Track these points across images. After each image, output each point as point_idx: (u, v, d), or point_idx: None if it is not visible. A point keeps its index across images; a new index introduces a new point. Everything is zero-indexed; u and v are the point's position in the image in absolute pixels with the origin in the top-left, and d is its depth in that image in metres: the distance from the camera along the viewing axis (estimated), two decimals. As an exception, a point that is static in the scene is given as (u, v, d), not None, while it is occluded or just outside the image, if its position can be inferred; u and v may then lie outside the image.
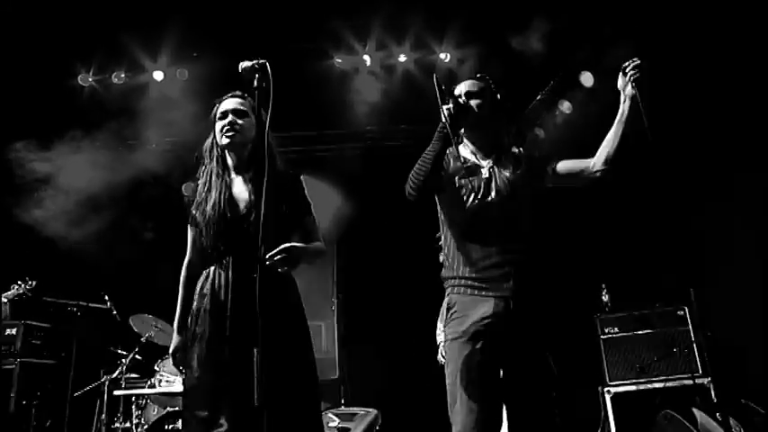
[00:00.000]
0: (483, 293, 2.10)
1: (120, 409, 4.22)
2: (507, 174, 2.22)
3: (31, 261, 4.61)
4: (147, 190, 5.53)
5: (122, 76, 5.48)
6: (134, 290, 4.81)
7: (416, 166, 2.12)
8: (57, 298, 4.39)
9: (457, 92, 2.27)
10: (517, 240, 2.15)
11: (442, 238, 2.29)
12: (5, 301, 4.12)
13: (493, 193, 2.18)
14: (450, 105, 2.09)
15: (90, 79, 5.50)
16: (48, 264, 4.58)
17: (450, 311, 2.14)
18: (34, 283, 4.33)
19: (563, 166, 2.23)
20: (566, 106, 5.66)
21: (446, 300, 2.19)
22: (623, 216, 4.79)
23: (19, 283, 4.26)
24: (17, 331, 4.07)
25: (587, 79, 5.33)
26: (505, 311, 2.08)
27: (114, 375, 4.30)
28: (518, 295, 2.09)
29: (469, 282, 2.13)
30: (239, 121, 2.24)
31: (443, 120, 2.08)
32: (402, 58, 5.43)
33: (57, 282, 4.53)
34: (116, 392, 4.00)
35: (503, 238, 2.14)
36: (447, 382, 2.10)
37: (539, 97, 5.68)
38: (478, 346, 2.05)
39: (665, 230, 4.01)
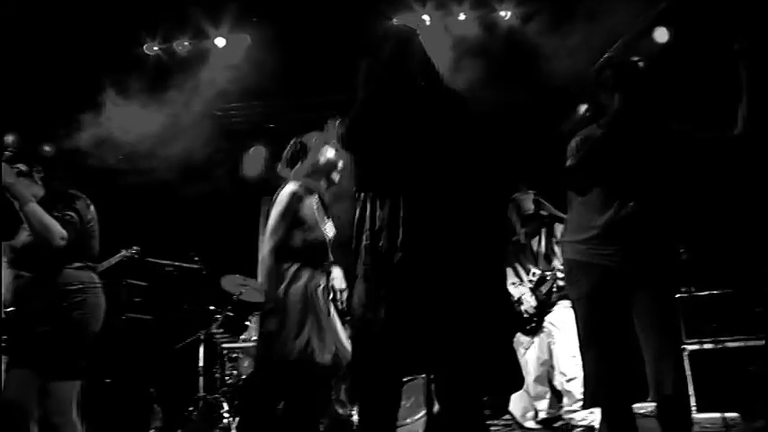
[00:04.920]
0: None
1: (218, 361, 4.56)
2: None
3: (132, 226, 4.93)
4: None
5: (186, 43, 5.58)
6: (222, 252, 5.12)
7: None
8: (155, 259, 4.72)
9: None
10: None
11: None
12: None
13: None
14: None
15: (155, 48, 5.62)
16: (148, 227, 4.91)
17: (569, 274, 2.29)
18: (137, 248, 4.57)
19: None
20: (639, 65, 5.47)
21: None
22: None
23: (125, 250, 4.51)
24: (121, 290, 4.45)
25: (662, 35, 5.08)
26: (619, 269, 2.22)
27: (208, 330, 4.64)
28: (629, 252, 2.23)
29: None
30: None
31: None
32: (461, 17, 5.31)
33: (153, 244, 4.85)
34: (224, 345, 4.34)
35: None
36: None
37: (606, 55, 5.53)
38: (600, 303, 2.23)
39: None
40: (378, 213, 2.01)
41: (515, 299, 3.89)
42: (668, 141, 2.29)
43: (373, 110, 2.08)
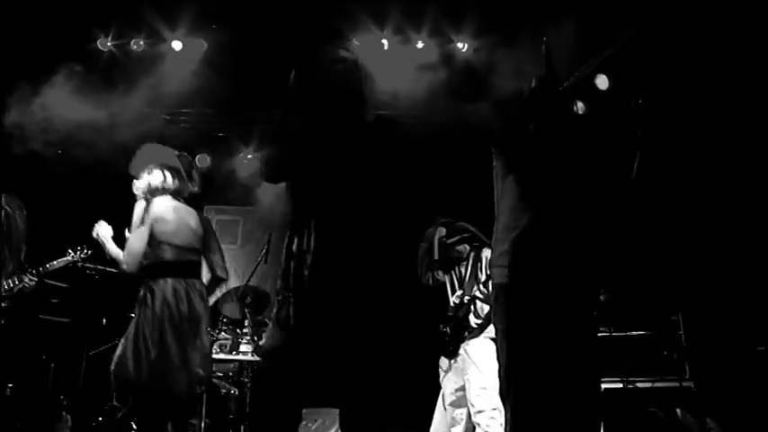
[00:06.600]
0: None
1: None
2: None
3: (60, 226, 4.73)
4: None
5: (141, 43, 5.54)
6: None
7: None
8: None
9: None
10: None
11: None
12: None
13: None
14: None
15: (109, 44, 5.54)
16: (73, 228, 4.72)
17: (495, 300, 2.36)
18: (89, 252, 4.18)
19: None
20: (579, 106, 5.68)
21: None
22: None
23: (72, 250, 4.20)
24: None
25: (603, 82, 5.29)
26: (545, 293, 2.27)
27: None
28: None
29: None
30: None
31: None
32: (420, 45, 5.48)
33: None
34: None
35: None
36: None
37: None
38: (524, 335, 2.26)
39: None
40: (311, 240, 2.06)
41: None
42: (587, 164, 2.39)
43: (307, 141, 2.14)
